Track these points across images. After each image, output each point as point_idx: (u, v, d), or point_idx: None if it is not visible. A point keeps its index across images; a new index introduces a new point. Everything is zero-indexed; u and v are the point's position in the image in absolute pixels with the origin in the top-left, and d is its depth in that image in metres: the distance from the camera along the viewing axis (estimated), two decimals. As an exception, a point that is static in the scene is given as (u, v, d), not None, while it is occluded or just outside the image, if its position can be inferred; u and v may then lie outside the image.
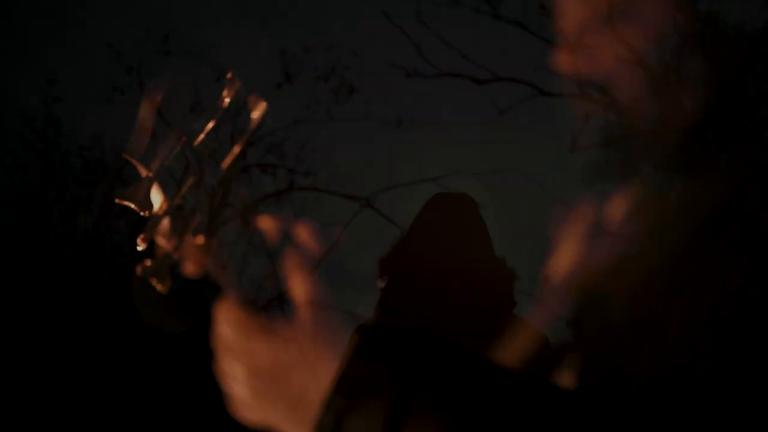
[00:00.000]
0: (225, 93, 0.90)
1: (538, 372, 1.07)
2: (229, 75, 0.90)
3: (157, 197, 0.87)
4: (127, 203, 0.85)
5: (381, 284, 2.07)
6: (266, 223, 0.98)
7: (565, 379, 1.05)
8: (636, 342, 0.93)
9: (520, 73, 9.89)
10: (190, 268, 0.93)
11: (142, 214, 0.86)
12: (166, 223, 0.88)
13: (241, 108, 0.93)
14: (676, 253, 0.93)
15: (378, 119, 11.62)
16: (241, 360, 0.91)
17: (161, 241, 0.89)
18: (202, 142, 0.90)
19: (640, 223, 1.06)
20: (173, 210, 0.88)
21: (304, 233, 0.97)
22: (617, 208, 1.14)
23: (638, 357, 0.92)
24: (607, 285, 1.03)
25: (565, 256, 1.16)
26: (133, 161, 0.86)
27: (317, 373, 0.86)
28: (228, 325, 0.92)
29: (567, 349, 1.09)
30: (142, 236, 0.86)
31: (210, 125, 0.90)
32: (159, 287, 0.87)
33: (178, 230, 0.89)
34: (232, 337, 0.92)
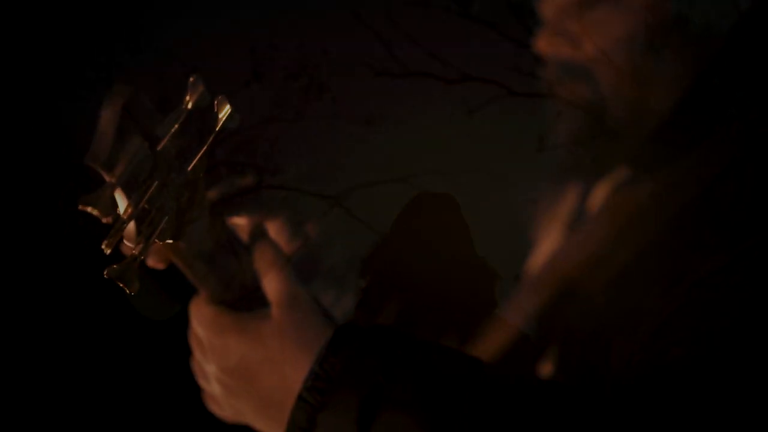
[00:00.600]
0: (188, 97, 0.90)
1: (516, 367, 1.08)
2: (191, 79, 0.90)
3: (121, 202, 0.86)
4: (89, 210, 0.84)
5: (363, 284, 2.07)
6: (235, 222, 0.98)
7: (543, 372, 1.06)
8: (612, 331, 0.94)
9: (490, 72, 9.93)
10: (158, 267, 0.92)
11: (104, 221, 0.85)
12: (131, 227, 0.87)
13: (207, 109, 0.92)
14: (648, 246, 0.94)
15: (348, 118, 11.58)
16: (213, 358, 0.91)
17: (127, 245, 0.88)
18: (167, 144, 0.89)
19: (612, 219, 1.07)
20: (138, 213, 0.87)
21: (274, 231, 0.97)
22: (589, 204, 1.15)
23: (615, 346, 0.92)
24: (582, 280, 1.04)
25: (539, 254, 1.17)
26: (95, 167, 0.85)
27: (289, 370, 0.87)
28: (200, 323, 0.92)
29: (544, 343, 1.10)
30: (106, 241, 0.85)
31: (173, 129, 0.89)
32: (127, 290, 0.86)
33: (145, 233, 0.88)
34: (204, 335, 0.92)
